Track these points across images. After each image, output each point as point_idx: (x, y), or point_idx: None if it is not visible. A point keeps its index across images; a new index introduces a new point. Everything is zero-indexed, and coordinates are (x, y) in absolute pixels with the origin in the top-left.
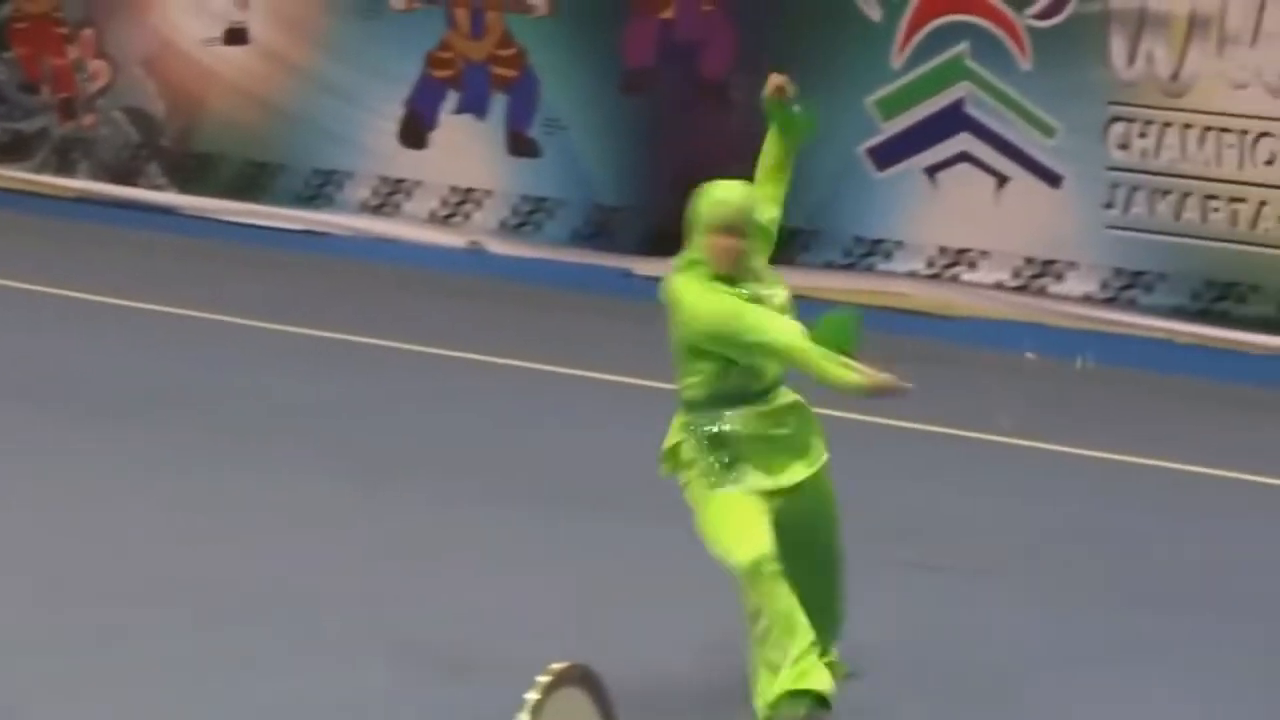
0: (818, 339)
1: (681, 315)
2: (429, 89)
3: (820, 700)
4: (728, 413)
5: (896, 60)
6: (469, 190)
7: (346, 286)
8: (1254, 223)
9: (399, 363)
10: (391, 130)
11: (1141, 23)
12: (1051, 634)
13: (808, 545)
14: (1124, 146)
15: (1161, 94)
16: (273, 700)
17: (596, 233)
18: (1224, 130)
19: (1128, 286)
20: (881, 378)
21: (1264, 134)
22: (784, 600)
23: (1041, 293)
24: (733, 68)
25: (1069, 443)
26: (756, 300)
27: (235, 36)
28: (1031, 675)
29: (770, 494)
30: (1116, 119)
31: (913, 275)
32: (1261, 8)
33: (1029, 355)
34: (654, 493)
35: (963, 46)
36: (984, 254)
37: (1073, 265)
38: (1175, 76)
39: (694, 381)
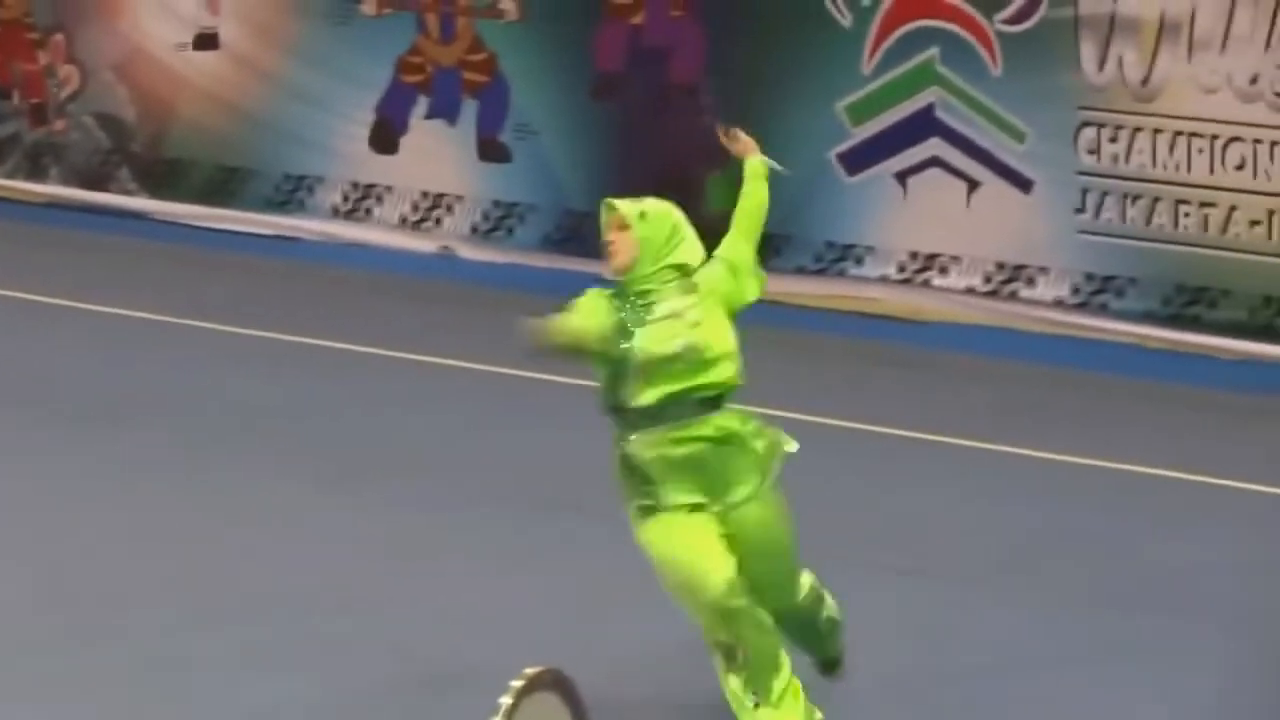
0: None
1: None
2: (399, 94)
3: None
4: (631, 435)
5: (867, 66)
6: (440, 195)
7: (318, 291)
8: (1224, 227)
9: (372, 367)
10: (362, 135)
11: (1111, 28)
12: (1032, 636)
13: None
14: (1094, 151)
15: (1132, 99)
16: (264, 701)
17: (568, 238)
18: (1194, 135)
19: (1099, 291)
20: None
21: (1234, 139)
22: (761, 635)
23: (1012, 297)
24: (703, 73)
25: (1041, 447)
26: (647, 308)
27: (206, 42)
28: (1014, 678)
29: (702, 508)
30: (1087, 124)
31: (884, 280)
32: (1231, 12)
33: None
34: None
35: (933, 52)
36: (955, 259)
37: (1043, 270)
38: (1145, 81)
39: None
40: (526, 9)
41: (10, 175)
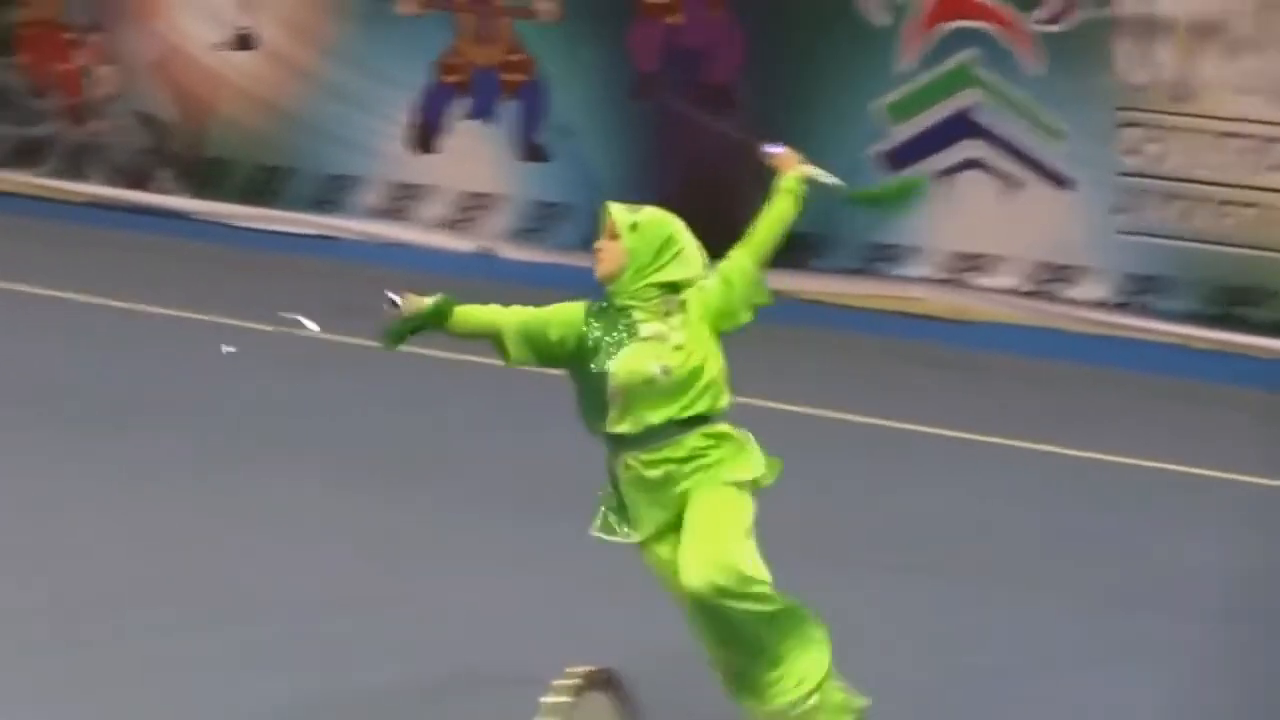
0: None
1: None
2: (438, 94)
3: None
4: (614, 456)
5: (904, 65)
6: (479, 195)
7: (357, 291)
8: (1266, 228)
9: (406, 368)
10: (401, 135)
11: (1149, 28)
12: (1052, 636)
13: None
14: (1134, 152)
15: (1168, 99)
16: (264, 701)
17: None
18: (1232, 135)
19: (1141, 291)
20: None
21: (1273, 139)
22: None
23: (1054, 298)
24: (740, 72)
25: (1081, 446)
26: (629, 329)
27: (244, 42)
28: (1025, 678)
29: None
30: (1126, 124)
31: (926, 280)
32: (1268, 15)
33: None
34: None
35: (972, 52)
36: (997, 259)
37: (1084, 270)
38: (1182, 82)
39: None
40: (565, 9)
41: (50, 175)
